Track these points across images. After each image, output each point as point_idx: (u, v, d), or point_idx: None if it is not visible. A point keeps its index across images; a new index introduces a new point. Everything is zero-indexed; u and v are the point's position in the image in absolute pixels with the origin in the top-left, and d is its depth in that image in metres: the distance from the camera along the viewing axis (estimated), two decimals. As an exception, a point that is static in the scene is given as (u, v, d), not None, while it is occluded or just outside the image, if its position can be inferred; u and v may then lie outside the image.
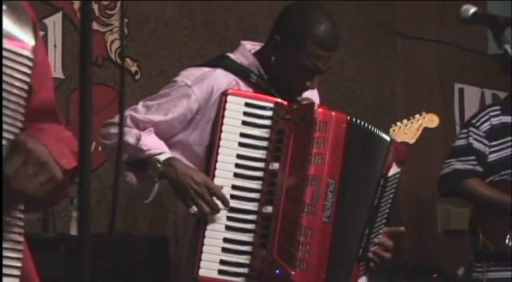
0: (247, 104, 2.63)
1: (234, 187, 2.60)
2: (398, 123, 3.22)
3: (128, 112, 2.64)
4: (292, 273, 2.55)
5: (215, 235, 2.57)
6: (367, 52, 5.40)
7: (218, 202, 2.56)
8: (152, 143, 2.60)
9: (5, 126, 1.61)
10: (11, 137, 1.62)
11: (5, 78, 1.61)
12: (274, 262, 2.56)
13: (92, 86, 1.35)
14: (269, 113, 2.63)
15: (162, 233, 4.15)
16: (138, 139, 2.59)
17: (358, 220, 2.70)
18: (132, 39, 4.28)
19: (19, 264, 1.65)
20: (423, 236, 5.48)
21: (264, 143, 2.62)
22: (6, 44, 1.62)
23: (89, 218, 1.35)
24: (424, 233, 5.48)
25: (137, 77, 4.34)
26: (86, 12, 1.38)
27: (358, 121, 2.67)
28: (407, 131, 3.18)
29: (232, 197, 2.59)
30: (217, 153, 2.59)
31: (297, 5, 2.78)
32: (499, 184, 3.94)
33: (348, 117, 2.65)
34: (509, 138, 3.96)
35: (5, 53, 1.61)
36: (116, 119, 2.68)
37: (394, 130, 3.18)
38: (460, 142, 4.04)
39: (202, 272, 2.55)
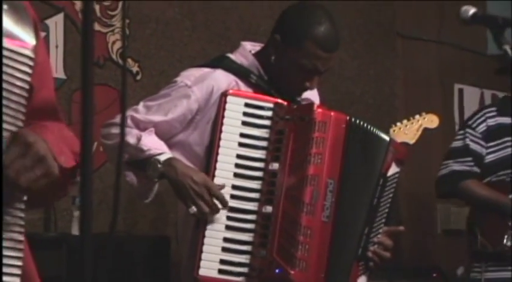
0: (247, 105, 2.63)
1: (234, 187, 2.60)
2: (399, 124, 3.21)
3: (128, 112, 2.64)
4: (292, 272, 2.56)
5: (215, 235, 2.58)
6: (367, 52, 5.40)
7: (217, 202, 2.57)
8: (152, 143, 2.60)
9: (6, 126, 1.61)
10: None
11: (6, 77, 1.61)
12: (274, 261, 2.57)
13: (93, 87, 1.35)
14: (269, 113, 2.63)
15: (163, 233, 4.15)
16: (139, 139, 2.59)
17: (357, 220, 2.70)
18: (133, 40, 4.28)
19: (20, 263, 1.64)
20: (423, 235, 5.48)
21: (264, 143, 2.63)
22: (7, 43, 1.62)
23: (90, 218, 1.34)
24: (423, 232, 5.48)
25: (138, 77, 4.34)
26: (88, 13, 1.37)
27: (358, 121, 2.67)
28: (407, 132, 3.18)
29: (232, 196, 2.60)
30: (217, 153, 2.60)
31: (297, 5, 2.79)
32: (497, 184, 3.96)
33: (347, 117, 2.66)
34: (506, 139, 3.98)
35: (6, 53, 1.61)
36: (117, 120, 2.68)
37: (394, 130, 3.18)
38: (456, 143, 4.05)
39: (202, 272, 2.56)
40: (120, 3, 4.29)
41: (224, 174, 2.60)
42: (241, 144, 2.61)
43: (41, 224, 3.81)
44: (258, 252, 2.58)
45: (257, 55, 2.79)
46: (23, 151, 1.58)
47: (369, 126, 2.70)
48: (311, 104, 2.70)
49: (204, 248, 2.57)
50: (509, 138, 3.98)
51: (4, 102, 1.60)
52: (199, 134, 2.68)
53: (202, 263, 2.56)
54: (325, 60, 2.70)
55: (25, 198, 1.66)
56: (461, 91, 5.85)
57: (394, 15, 5.57)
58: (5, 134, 1.61)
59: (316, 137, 2.60)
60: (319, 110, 2.63)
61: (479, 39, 5.52)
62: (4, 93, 1.60)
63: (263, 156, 2.62)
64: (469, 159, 3.98)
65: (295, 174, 2.60)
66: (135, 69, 4.33)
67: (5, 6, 1.63)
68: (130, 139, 2.58)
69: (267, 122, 2.63)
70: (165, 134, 2.67)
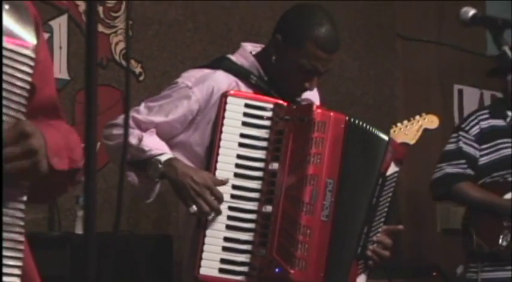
0: (247, 105, 2.64)
1: (234, 187, 2.61)
2: (399, 124, 3.20)
3: (130, 113, 2.63)
4: (292, 271, 2.57)
5: (216, 234, 2.58)
6: (367, 53, 5.39)
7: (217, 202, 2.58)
8: (154, 144, 2.61)
9: (6, 126, 1.60)
10: None
11: (6, 78, 1.60)
12: (274, 261, 2.57)
13: (97, 87, 1.36)
14: (268, 114, 2.64)
15: (166, 232, 4.15)
16: (140, 140, 2.60)
17: (356, 219, 2.71)
18: (136, 41, 4.28)
19: (20, 263, 1.62)
20: (422, 234, 5.47)
21: (264, 143, 2.63)
22: (7, 43, 1.61)
23: (94, 217, 1.35)
24: (423, 231, 5.47)
25: (141, 78, 4.35)
26: (92, 14, 1.38)
27: (357, 121, 2.68)
28: (407, 132, 3.17)
29: (233, 196, 2.61)
30: (217, 154, 2.60)
31: (299, 6, 2.80)
32: (490, 186, 3.99)
33: (347, 118, 2.66)
34: (499, 141, 4.01)
35: (6, 53, 1.60)
36: (119, 120, 2.69)
37: (394, 131, 3.17)
38: (450, 146, 4.08)
39: (203, 271, 2.57)
40: (123, 5, 4.31)
41: (224, 174, 2.60)
42: (241, 145, 2.62)
43: (45, 224, 3.82)
44: (258, 252, 2.59)
45: (257, 56, 2.80)
46: (17, 139, 1.56)
47: (368, 126, 2.71)
48: (310, 104, 2.70)
49: (205, 247, 2.58)
50: (501, 141, 4.01)
51: (4, 102, 1.60)
52: (200, 135, 2.69)
53: (203, 262, 2.57)
54: (325, 61, 2.71)
55: (25, 199, 1.65)
56: (460, 92, 5.85)
57: (394, 16, 5.56)
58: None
59: (316, 137, 2.61)
60: (319, 110, 2.64)
61: (479, 40, 5.53)
62: (4, 94, 1.59)
63: (263, 156, 2.63)
64: (463, 161, 4.01)
65: (294, 174, 2.60)
66: (138, 70, 4.34)
67: (6, 6, 1.63)
68: (132, 140, 2.59)
69: (266, 123, 2.64)
70: (166, 134, 2.68)
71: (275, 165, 2.62)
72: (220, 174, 2.61)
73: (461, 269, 4.13)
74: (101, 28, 4.17)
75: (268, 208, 2.61)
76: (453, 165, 4.02)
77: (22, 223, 1.64)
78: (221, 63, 2.78)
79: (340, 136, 2.64)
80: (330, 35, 2.71)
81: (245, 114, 2.63)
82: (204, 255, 2.58)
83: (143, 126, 2.67)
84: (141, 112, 2.69)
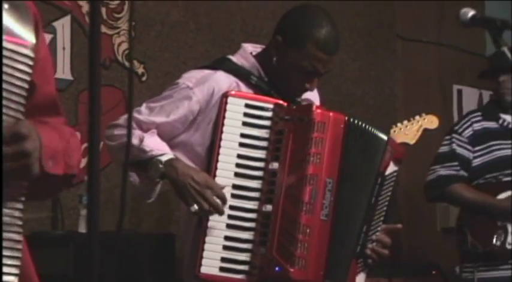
0: (247, 105, 2.64)
1: (235, 186, 2.61)
2: (399, 125, 3.20)
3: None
4: (291, 270, 2.57)
5: (216, 233, 2.58)
6: (367, 54, 5.41)
7: (219, 201, 2.57)
8: (154, 144, 2.61)
9: (6, 125, 1.61)
10: None
11: (5, 77, 1.61)
12: (274, 259, 2.57)
13: (100, 87, 1.37)
14: (269, 114, 2.64)
15: (168, 231, 4.17)
16: (141, 140, 2.59)
17: (356, 218, 2.71)
18: (138, 42, 4.30)
19: (18, 263, 1.64)
20: (422, 233, 5.48)
21: (264, 143, 2.63)
22: (7, 42, 1.62)
23: (97, 216, 1.35)
24: (423, 230, 5.48)
25: (144, 78, 4.36)
26: (95, 15, 1.39)
27: (356, 121, 2.68)
28: (407, 132, 3.17)
29: (233, 196, 2.60)
30: (218, 153, 2.60)
31: (299, 7, 2.80)
32: (483, 186, 4.02)
33: (346, 118, 2.66)
34: (491, 142, 4.04)
35: (5, 53, 1.61)
36: (120, 121, 2.69)
37: (394, 131, 3.17)
38: (443, 148, 4.11)
39: (203, 270, 2.57)
40: (126, 6, 4.33)
41: (225, 173, 2.61)
42: (241, 144, 2.62)
43: (48, 223, 3.84)
44: (258, 250, 2.59)
45: (258, 57, 2.80)
46: (10, 139, 1.57)
47: (367, 126, 2.71)
48: (310, 104, 2.71)
49: (206, 246, 2.58)
50: (494, 142, 4.05)
51: (4, 102, 1.60)
52: (201, 135, 2.69)
53: (203, 261, 2.57)
54: (325, 62, 2.71)
55: (23, 198, 1.66)
56: (460, 92, 5.86)
57: (394, 17, 5.57)
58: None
59: (315, 137, 2.61)
60: (318, 110, 2.64)
61: (478, 41, 5.55)
62: (3, 93, 1.60)
63: (263, 156, 2.63)
64: (456, 163, 4.03)
65: (294, 174, 2.61)
66: (140, 70, 4.35)
67: (5, 6, 1.64)
68: (133, 140, 2.58)
69: (267, 123, 2.64)
70: (167, 134, 2.68)
71: (275, 165, 2.62)
72: (220, 173, 2.61)
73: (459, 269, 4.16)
74: (103, 29, 4.18)
75: (268, 207, 2.61)
76: (446, 167, 4.05)
77: (20, 222, 1.65)
78: (222, 63, 2.79)
79: (339, 136, 2.65)
80: (330, 36, 2.71)
81: (245, 115, 2.63)
82: (205, 254, 2.58)
83: (144, 127, 2.66)
84: (142, 113, 2.69)
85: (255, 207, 2.62)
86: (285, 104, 2.67)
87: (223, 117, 2.62)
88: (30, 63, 1.66)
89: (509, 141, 4.01)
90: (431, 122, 3.26)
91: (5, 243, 1.61)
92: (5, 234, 1.61)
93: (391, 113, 5.38)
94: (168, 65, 4.43)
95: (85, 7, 4.14)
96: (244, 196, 2.63)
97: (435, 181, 4.08)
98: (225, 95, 2.65)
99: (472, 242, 3.93)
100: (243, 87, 2.75)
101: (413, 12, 5.65)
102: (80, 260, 3.38)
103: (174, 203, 4.12)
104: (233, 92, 2.67)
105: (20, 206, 1.65)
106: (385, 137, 2.77)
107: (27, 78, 1.65)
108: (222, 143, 2.62)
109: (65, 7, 4.10)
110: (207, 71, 2.75)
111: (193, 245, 2.64)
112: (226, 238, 2.60)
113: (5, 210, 1.62)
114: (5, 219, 1.62)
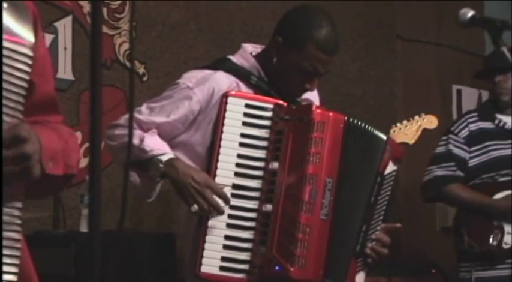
0: (247, 105, 2.64)
1: (235, 186, 2.62)
2: (399, 124, 3.21)
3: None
4: (291, 269, 2.57)
5: (216, 233, 2.59)
6: (367, 54, 5.41)
7: (219, 200, 2.58)
8: (155, 144, 2.62)
9: (5, 125, 1.61)
10: None
11: (4, 76, 1.61)
12: (274, 259, 2.58)
13: (102, 87, 1.37)
14: (269, 114, 2.65)
15: (169, 230, 4.16)
16: (142, 140, 2.60)
17: (355, 217, 2.72)
18: (139, 42, 4.31)
19: (17, 262, 1.64)
20: (422, 233, 5.48)
21: (264, 143, 2.64)
22: (6, 41, 1.62)
23: (99, 216, 1.36)
24: (422, 230, 5.48)
25: (145, 78, 4.36)
26: (97, 15, 1.39)
27: (355, 121, 2.69)
28: (407, 132, 3.18)
29: (233, 195, 2.61)
30: (218, 153, 2.61)
31: (299, 8, 2.81)
32: (480, 186, 4.03)
33: (345, 118, 2.67)
34: (488, 143, 4.06)
35: (4, 52, 1.61)
36: (121, 121, 2.70)
37: (394, 131, 3.18)
38: (440, 149, 4.12)
39: (204, 269, 2.58)
40: (127, 7, 4.34)
41: (225, 173, 2.61)
42: (241, 144, 2.63)
43: (50, 222, 3.85)
44: (258, 250, 2.60)
45: (258, 57, 2.81)
46: (10, 142, 1.58)
47: (366, 126, 2.72)
48: (310, 104, 2.71)
49: (206, 245, 2.59)
50: (490, 143, 4.06)
51: (3, 101, 1.61)
52: (201, 135, 2.69)
53: (204, 260, 2.58)
54: (325, 62, 2.72)
55: (22, 198, 1.66)
56: (459, 92, 5.87)
57: (394, 17, 5.58)
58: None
59: (315, 137, 2.62)
60: (318, 110, 2.65)
61: (478, 41, 5.56)
62: (3, 93, 1.61)
63: (263, 156, 2.63)
64: (452, 164, 4.05)
65: (294, 173, 2.62)
66: (141, 70, 4.36)
67: (4, 5, 1.65)
68: (134, 140, 2.58)
69: (267, 123, 2.65)
70: (168, 134, 2.69)
71: (275, 165, 2.63)
72: (221, 173, 2.62)
73: (458, 269, 4.18)
74: (105, 29, 4.17)
75: (268, 207, 2.62)
76: (443, 168, 4.07)
77: (19, 222, 1.66)
78: (222, 64, 2.79)
79: (339, 136, 2.66)
80: (330, 37, 2.72)
81: (245, 114, 2.64)
82: (205, 253, 2.59)
83: (145, 127, 2.67)
84: (143, 113, 2.70)
85: (255, 206, 2.63)
86: (285, 104, 2.68)
87: (224, 117, 2.63)
88: (29, 62, 1.67)
89: (506, 142, 4.03)
90: (430, 122, 3.27)
91: (4, 242, 1.62)
92: (4, 233, 1.62)
93: (390, 113, 5.38)
94: (169, 65, 4.44)
95: (86, 7, 4.14)
96: (245, 196, 2.63)
97: (432, 181, 4.10)
98: (225, 95, 2.65)
99: (468, 242, 3.95)
100: (243, 87, 2.75)
101: (413, 13, 5.66)
102: (81, 259, 3.39)
103: (174, 202, 4.12)
104: (233, 92, 2.68)
105: (19, 205, 1.66)
106: (384, 137, 2.77)
107: (26, 77, 1.66)
108: (222, 143, 2.62)
109: (66, 7, 4.11)
110: (207, 71, 2.76)
111: (193, 244, 2.65)
112: (227, 237, 2.61)
113: (5, 209, 1.62)
114: (5, 218, 1.62)
